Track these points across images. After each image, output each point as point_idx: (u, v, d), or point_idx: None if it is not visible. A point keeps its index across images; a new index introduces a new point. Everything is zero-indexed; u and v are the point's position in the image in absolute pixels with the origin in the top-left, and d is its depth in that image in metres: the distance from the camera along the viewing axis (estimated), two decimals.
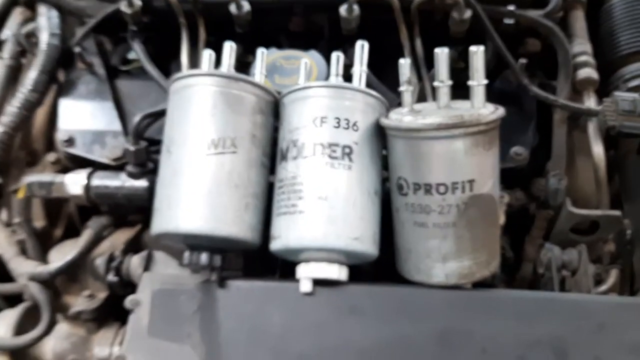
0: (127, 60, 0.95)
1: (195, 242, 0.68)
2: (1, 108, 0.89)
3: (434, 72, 0.82)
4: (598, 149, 0.84)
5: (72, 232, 0.89)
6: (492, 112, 0.65)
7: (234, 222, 0.66)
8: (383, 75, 0.86)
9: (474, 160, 0.64)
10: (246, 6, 0.87)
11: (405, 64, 0.69)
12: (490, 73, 0.66)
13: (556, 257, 0.77)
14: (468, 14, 0.86)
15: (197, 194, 0.66)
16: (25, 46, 0.93)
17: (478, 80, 0.65)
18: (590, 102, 0.87)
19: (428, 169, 0.64)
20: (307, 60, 0.79)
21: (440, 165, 0.64)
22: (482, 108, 0.65)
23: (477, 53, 0.64)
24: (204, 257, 0.67)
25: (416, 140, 0.65)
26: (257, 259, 0.75)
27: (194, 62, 0.87)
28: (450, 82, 0.67)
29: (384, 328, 0.67)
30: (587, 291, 0.76)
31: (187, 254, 0.68)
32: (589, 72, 0.88)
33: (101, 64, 0.92)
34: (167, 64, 0.93)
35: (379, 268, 0.73)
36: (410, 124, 0.64)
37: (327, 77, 0.84)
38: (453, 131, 0.63)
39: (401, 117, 0.67)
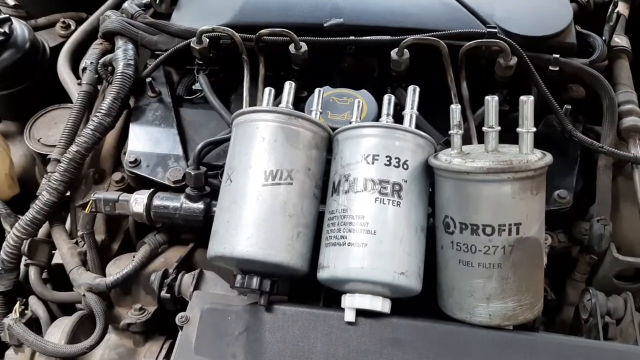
0: (192, 90, 0.97)
1: (248, 267, 0.68)
2: (77, 129, 0.92)
3: (479, 114, 0.84)
4: None
5: (128, 246, 0.90)
6: (540, 158, 0.64)
7: (286, 250, 0.66)
8: (429, 114, 0.86)
9: (521, 204, 0.63)
10: (304, 46, 0.89)
11: (456, 109, 0.69)
12: (534, 117, 0.65)
13: (601, 304, 0.74)
14: (514, 60, 0.85)
15: (253, 221, 0.66)
16: (102, 74, 0.97)
17: (527, 128, 0.64)
18: (636, 149, 0.85)
19: (475, 210, 0.63)
20: (359, 99, 0.79)
21: (487, 208, 0.63)
22: (530, 154, 0.64)
23: (527, 102, 0.63)
24: (254, 281, 0.67)
25: (465, 182, 0.64)
26: (303, 286, 0.74)
27: (253, 95, 0.88)
28: (499, 128, 0.66)
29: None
30: (633, 341, 0.73)
31: (239, 277, 0.68)
32: (635, 121, 0.86)
33: (168, 93, 0.95)
34: (228, 96, 0.95)
35: (419, 302, 0.71)
36: (460, 167, 0.64)
37: (376, 115, 0.85)
38: (502, 176, 0.62)
39: (451, 159, 0.66)
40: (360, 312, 0.66)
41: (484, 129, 0.67)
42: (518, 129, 0.65)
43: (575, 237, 0.82)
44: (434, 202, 0.70)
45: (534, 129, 0.64)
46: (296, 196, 0.69)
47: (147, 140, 0.90)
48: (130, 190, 0.86)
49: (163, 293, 0.76)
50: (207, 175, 0.82)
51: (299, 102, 0.90)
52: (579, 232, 0.82)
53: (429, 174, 0.70)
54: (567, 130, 0.84)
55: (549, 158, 0.65)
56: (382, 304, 0.66)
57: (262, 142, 0.70)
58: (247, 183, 0.68)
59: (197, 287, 0.76)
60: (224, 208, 0.70)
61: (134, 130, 0.92)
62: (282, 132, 0.70)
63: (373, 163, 0.68)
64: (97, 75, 0.97)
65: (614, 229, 0.79)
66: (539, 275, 0.67)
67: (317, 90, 0.79)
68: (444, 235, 0.66)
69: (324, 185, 0.73)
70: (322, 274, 0.67)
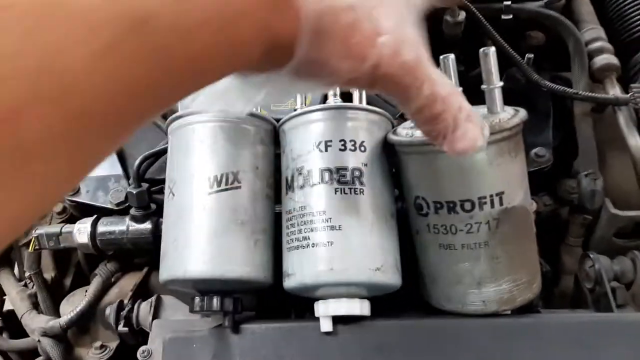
0: None
1: (206, 287, 0.59)
2: None
3: None
4: (634, 141, 0.71)
5: (81, 280, 0.80)
6: (513, 115, 0.55)
7: (244, 262, 0.57)
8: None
9: (501, 171, 0.54)
10: None
11: None
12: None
13: (606, 269, 0.64)
14: (462, 15, 0.76)
15: (203, 236, 0.57)
16: None
17: (492, 83, 0.55)
18: (615, 89, 0.76)
19: (449, 185, 0.55)
20: None
21: (462, 180, 0.54)
22: (501, 112, 0.55)
23: (489, 54, 0.54)
24: (215, 302, 0.58)
25: (433, 155, 0.55)
26: (269, 297, 0.65)
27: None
28: (460, 89, 0.57)
29: None
30: None
31: (197, 300, 0.59)
32: (607, 58, 0.77)
33: None
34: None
35: (402, 296, 0.62)
36: (424, 139, 0.54)
37: (323, 99, 0.75)
38: None
39: (412, 132, 0.57)
40: (338, 319, 0.58)
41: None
42: (483, 86, 0.56)
43: (562, 197, 0.74)
44: (400, 184, 0.61)
45: (501, 84, 0.55)
46: (247, 200, 0.59)
47: None
48: (74, 220, 0.76)
49: (120, 327, 0.66)
50: (150, 192, 0.72)
51: None
52: (565, 191, 0.73)
53: (389, 153, 0.62)
54: (533, 81, 0.75)
55: (523, 113, 0.56)
56: (360, 307, 0.57)
57: (200, 145, 0.60)
58: (191, 194, 0.59)
59: (156, 315, 0.67)
60: (169, 226, 0.60)
61: None
62: (221, 131, 0.61)
63: (327, 150, 0.59)
64: None
65: (605, 182, 0.70)
66: (533, 248, 0.59)
67: None
68: (418, 219, 0.58)
69: (277, 183, 0.64)
70: (289, 283, 0.58)
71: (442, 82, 0.38)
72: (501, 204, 0.54)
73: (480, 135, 0.40)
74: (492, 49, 0.54)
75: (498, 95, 0.55)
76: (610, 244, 0.71)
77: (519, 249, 0.56)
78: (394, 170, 0.62)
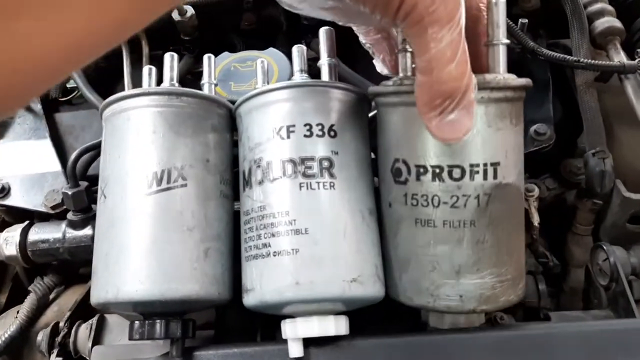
0: (67, 89, 0.74)
1: (147, 309, 0.48)
2: None
3: None
4: None
5: (20, 296, 0.68)
6: (517, 78, 0.45)
7: (191, 277, 0.46)
8: (355, 64, 0.65)
9: (500, 137, 0.44)
10: (189, 10, 0.67)
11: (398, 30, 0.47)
12: None
13: (622, 262, 0.54)
14: None
15: (139, 247, 0.46)
16: None
17: (498, 39, 0.44)
18: (619, 56, 0.65)
19: (437, 146, 0.44)
20: (266, 59, 0.58)
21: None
22: (504, 73, 0.45)
23: (498, 4, 0.43)
24: (158, 328, 0.47)
25: None
26: (230, 311, 0.54)
27: (138, 82, 0.67)
28: (507, 41, 0.46)
29: None
30: None
31: (136, 325, 0.47)
32: (609, 21, 0.67)
33: (37, 98, 0.72)
34: (112, 88, 0.72)
35: (386, 307, 0.51)
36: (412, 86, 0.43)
37: (291, 77, 0.64)
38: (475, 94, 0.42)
39: (400, 81, 0.46)
40: (310, 341, 0.47)
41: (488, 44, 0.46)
42: (485, 42, 0.45)
43: (567, 180, 0.63)
44: (377, 153, 0.50)
45: (507, 41, 0.44)
46: (195, 201, 0.48)
47: (15, 160, 0.68)
48: (5, 227, 0.64)
49: (54, 357, 0.55)
50: (90, 192, 0.60)
51: (198, 80, 0.69)
52: (571, 172, 0.63)
53: (366, 135, 0.51)
54: (529, 49, 0.64)
55: (527, 80, 0.46)
56: (335, 326, 0.46)
57: (136, 136, 0.49)
58: (125, 196, 0.47)
59: (97, 340, 0.56)
60: (100, 236, 0.49)
61: (1, 151, 0.69)
62: (161, 118, 0.49)
63: (289, 137, 0.48)
64: None
65: (615, 161, 0.59)
66: (522, 242, 0.48)
67: (205, 57, 0.57)
68: (394, 188, 0.46)
69: (236, 177, 0.53)
70: (248, 299, 0.47)
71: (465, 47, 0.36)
72: (495, 177, 0.44)
73: (469, 126, 0.39)
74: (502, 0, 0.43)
75: (503, 53, 0.44)
76: (624, 232, 0.60)
77: (508, 236, 0.46)
78: (373, 155, 0.51)
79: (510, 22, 0.64)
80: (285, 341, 0.47)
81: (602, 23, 0.67)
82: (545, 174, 0.64)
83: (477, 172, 0.43)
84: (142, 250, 0.46)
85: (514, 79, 0.44)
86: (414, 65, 0.46)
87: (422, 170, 0.44)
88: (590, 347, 0.47)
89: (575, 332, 0.48)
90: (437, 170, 0.44)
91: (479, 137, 0.43)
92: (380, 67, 0.50)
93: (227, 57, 0.65)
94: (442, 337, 0.48)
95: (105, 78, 0.72)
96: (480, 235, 0.44)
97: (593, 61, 0.62)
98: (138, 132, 0.49)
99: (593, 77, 0.64)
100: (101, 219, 0.49)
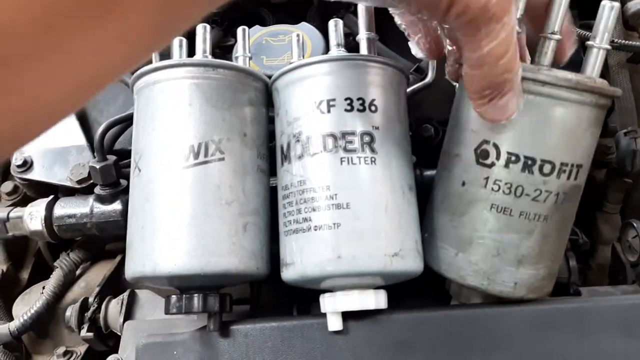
0: None
1: (184, 284, 0.47)
2: None
3: None
4: None
5: (43, 272, 0.68)
6: (608, 84, 0.46)
7: (230, 252, 0.46)
8: (391, 41, 0.64)
9: (591, 140, 0.45)
10: None
11: None
12: None
13: None
14: None
15: (177, 220, 0.45)
16: None
17: (600, 42, 0.45)
18: None
19: (535, 137, 0.44)
20: (299, 33, 0.57)
21: (554, 137, 0.44)
22: (598, 78, 0.45)
23: (614, 9, 0.44)
24: (196, 302, 0.47)
25: (538, 98, 0.43)
26: (267, 289, 0.54)
27: (163, 56, 0.66)
28: (559, 37, 0.45)
29: None
30: None
31: (173, 299, 0.47)
32: None
33: None
34: None
35: (424, 281, 0.51)
36: (539, 75, 0.43)
37: (323, 52, 0.63)
38: (586, 96, 0.43)
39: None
40: (348, 315, 0.47)
41: (541, 35, 0.45)
42: (589, 42, 0.45)
43: (597, 159, 0.63)
44: (452, 120, 0.49)
45: (608, 47, 0.45)
46: (233, 174, 0.48)
47: None
48: (28, 202, 0.63)
49: (84, 332, 0.55)
50: (119, 166, 0.60)
51: (226, 54, 0.68)
52: (601, 152, 0.63)
53: (406, 111, 0.50)
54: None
55: (619, 91, 0.47)
56: (375, 300, 0.46)
57: (172, 109, 0.48)
58: (161, 169, 0.47)
59: (128, 315, 0.55)
60: (136, 209, 0.48)
61: None
62: (197, 90, 0.48)
63: (329, 111, 0.47)
64: None
65: None
66: (567, 239, 0.49)
67: (240, 29, 0.56)
68: (474, 168, 0.46)
69: (272, 153, 0.52)
70: (287, 274, 0.47)
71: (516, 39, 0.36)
72: (576, 178, 0.45)
73: (515, 108, 0.41)
74: (617, 4, 0.44)
75: (601, 58, 0.45)
76: None
77: (566, 234, 0.47)
78: (411, 134, 0.51)
79: None
80: (323, 315, 0.47)
81: (635, 4, 0.67)
82: None
83: (565, 171, 0.44)
84: (180, 224, 0.45)
85: (611, 88, 0.45)
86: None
87: (513, 158, 0.44)
88: (623, 320, 0.48)
89: (609, 306, 0.49)
90: (530, 162, 0.44)
91: (575, 138, 0.44)
92: (415, 50, 0.49)
93: (258, 31, 0.64)
94: (481, 311, 0.48)
95: None
96: (550, 230, 0.45)
97: (627, 42, 0.62)
98: (173, 104, 0.48)
99: (625, 58, 0.64)
100: (136, 192, 0.49)
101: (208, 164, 0.47)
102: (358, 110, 0.47)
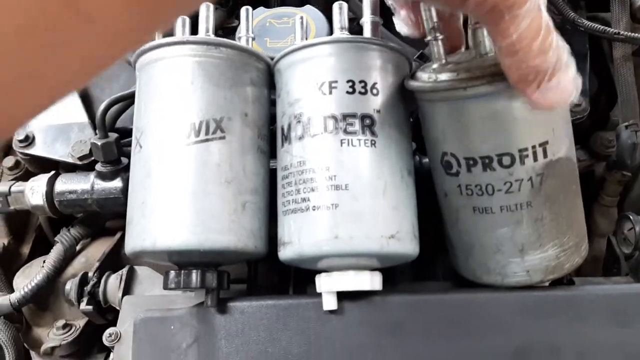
0: None
1: (182, 260, 0.48)
2: None
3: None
4: None
5: (44, 247, 0.69)
6: None
7: (229, 230, 0.46)
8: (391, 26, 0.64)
9: (543, 116, 0.44)
10: None
11: (428, 7, 0.47)
12: None
13: None
14: None
15: (177, 197, 0.46)
16: None
17: None
18: None
19: (483, 137, 0.44)
20: (303, 15, 0.57)
21: (499, 130, 0.44)
22: None
23: None
24: (194, 277, 0.47)
25: (463, 103, 0.44)
26: (262, 267, 0.55)
27: (170, 34, 0.66)
28: None
29: (436, 348, 0.47)
30: None
31: (172, 275, 0.48)
32: None
33: None
34: None
35: (417, 264, 0.52)
36: (452, 83, 0.44)
37: (327, 34, 0.63)
38: (496, 86, 0.42)
39: (436, 75, 0.46)
40: (343, 295, 0.48)
41: (469, 26, 0.46)
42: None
43: (597, 152, 0.64)
44: (420, 138, 0.51)
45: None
46: (233, 153, 0.48)
47: None
48: (29, 177, 0.64)
49: (84, 305, 0.56)
50: (120, 144, 0.60)
51: (230, 35, 0.68)
52: (602, 145, 0.63)
53: (407, 99, 0.51)
54: (569, 20, 0.64)
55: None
56: (370, 281, 0.47)
57: (174, 86, 0.49)
58: (163, 146, 0.47)
59: (127, 290, 0.56)
60: (136, 185, 0.49)
61: None
62: (200, 68, 0.49)
63: (331, 93, 0.48)
64: None
65: None
66: (579, 205, 0.50)
67: (243, 9, 0.56)
68: (447, 179, 0.47)
69: (272, 134, 0.53)
70: (285, 253, 0.48)
71: (546, 16, 0.34)
72: (545, 155, 0.44)
73: (573, 87, 0.37)
74: None
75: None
76: None
77: (565, 207, 0.47)
78: (412, 119, 0.51)
79: None
80: (318, 295, 0.48)
81: None
82: (575, 146, 0.64)
83: (527, 155, 0.44)
84: (180, 201, 0.46)
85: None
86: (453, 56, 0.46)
87: (471, 162, 0.45)
88: (615, 308, 0.48)
89: (602, 295, 0.49)
90: (487, 161, 0.44)
91: (522, 122, 0.43)
92: (399, 26, 0.48)
93: (262, 13, 0.64)
94: (473, 296, 0.49)
95: None
96: (538, 213, 0.46)
97: (633, 34, 0.62)
98: (175, 82, 0.49)
99: (631, 51, 0.65)
100: (136, 168, 0.49)
101: (209, 142, 0.47)
102: (360, 92, 0.48)
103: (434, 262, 0.59)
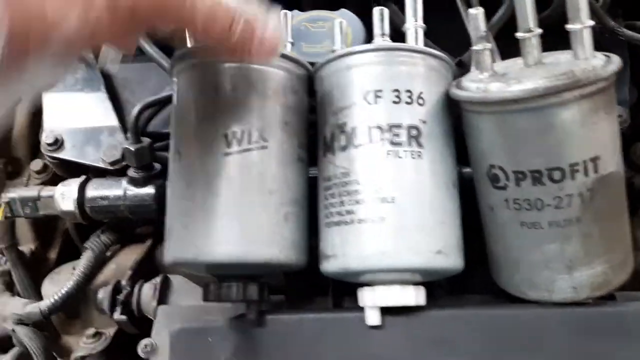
0: None
1: (223, 271, 0.47)
2: None
3: (495, 22, 0.62)
4: None
5: (71, 252, 0.68)
6: (606, 61, 0.44)
7: (272, 241, 0.46)
8: (430, 33, 0.63)
9: (595, 131, 0.43)
10: None
11: (477, 15, 0.46)
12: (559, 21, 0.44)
13: None
14: None
15: (220, 208, 0.45)
16: None
17: (582, 22, 0.43)
18: None
19: (534, 151, 0.43)
20: (343, 20, 0.56)
21: (550, 145, 0.43)
22: (591, 58, 0.43)
23: None
24: (235, 290, 0.47)
25: (513, 115, 0.43)
26: (301, 278, 0.54)
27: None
28: (539, 31, 0.45)
29: None
30: None
31: (212, 287, 0.47)
32: None
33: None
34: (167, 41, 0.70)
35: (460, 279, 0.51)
36: (503, 94, 0.42)
37: (364, 41, 0.62)
38: (565, 96, 0.42)
39: (485, 86, 0.44)
40: (386, 309, 0.47)
41: (519, 35, 0.45)
42: (568, 26, 0.43)
43: (636, 163, 0.63)
44: (463, 148, 0.50)
45: (592, 22, 0.43)
46: (275, 163, 0.47)
47: (69, 112, 0.66)
48: (57, 181, 0.63)
49: (117, 315, 0.55)
50: (153, 149, 0.59)
51: None
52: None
53: (451, 109, 0.50)
54: (609, 29, 0.62)
55: (616, 59, 0.44)
56: (415, 296, 0.46)
57: (215, 93, 0.47)
58: (203, 155, 0.46)
59: (162, 300, 0.56)
60: (176, 194, 0.48)
61: (49, 101, 0.67)
62: (241, 75, 0.48)
63: (376, 102, 0.47)
64: None
65: None
66: (626, 221, 0.48)
67: (282, 13, 0.55)
68: (493, 192, 0.46)
69: (312, 142, 0.52)
70: (328, 266, 0.47)
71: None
72: (596, 171, 0.43)
73: (276, 35, 0.40)
74: None
75: (588, 36, 0.44)
76: None
77: (614, 223, 0.46)
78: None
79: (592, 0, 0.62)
80: (359, 309, 0.47)
81: None
82: None
83: (578, 170, 0.43)
84: (223, 212, 0.45)
85: (603, 67, 0.43)
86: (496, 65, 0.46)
87: (520, 176, 0.44)
88: None
89: None
90: (537, 175, 0.43)
91: (574, 136, 0.42)
92: None
93: (297, 16, 0.63)
94: (519, 312, 0.48)
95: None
96: (588, 229, 0.45)
97: None
98: (216, 89, 0.48)
99: None
100: (176, 176, 0.48)
101: (250, 152, 0.46)
102: (406, 102, 0.47)
103: (470, 274, 0.58)
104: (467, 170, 0.57)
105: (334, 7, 0.65)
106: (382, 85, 0.47)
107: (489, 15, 0.54)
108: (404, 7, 0.52)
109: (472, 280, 0.57)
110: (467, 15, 0.63)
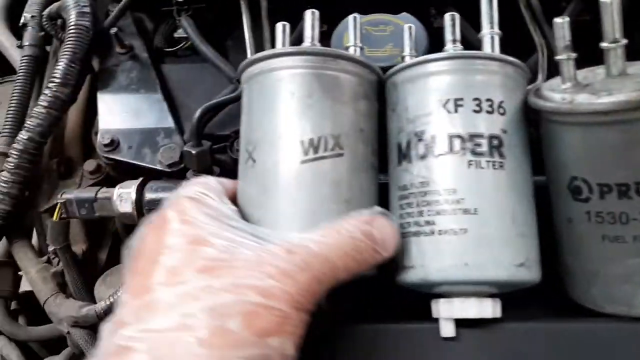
0: (174, 39, 0.72)
1: None
2: (25, 108, 0.67)
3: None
4: None
5: (119, 253, 0.67)
6: None
7: None
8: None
9: None
10: None
11: (562, 24, 0.45)
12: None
13: None
14: None
15: (298, 216, 0.44)
16: (50, 30, 0.70)
17: (618, 40, 0.43)
18: None
19: (621, 163, 0.42)
20: (410, 25, 0.55)
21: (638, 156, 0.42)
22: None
23: (613, 4, 0.42)
24: None
25: (602, 127, 0.42)
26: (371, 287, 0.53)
27: (256, 40, 0.64)
28: (625, 41, 0.44)
29: None
30: None
31: None
32: None
33: (143, 47, 0.70)
34: (222, 42, 0.70)
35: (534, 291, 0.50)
36: (593, 106, 0.42)
37: (427, 46, 0.61)
38: None
39: (571, 96, 0.44)
40: (460, 322, 0.46)
41: (603, 45, 0.44)
42: (603, 44, 0.43)
43: None
44: (539, 157, 0.49)
45: (625, 41, 0.43)
46: (351, 171, 0.46)
47: (124, 112, 0.65)
48: (110, 182, 0.63)
49: None
50: (213, 152, 0.59)
51: (320, 41, 0.66)
52: None
53: (528, 118, 0.49)
54: None
55: None
56: (492, 309, 0.46)
57: (291, 99, 0.47)
58: (279, 161, 0.46)
59: None
60: (251, 201, 0.47)
61: (104, 100, 0.67)
62: (317, 81, 0.47)
63: (456, 111, 0.46)
64: (43, 33, 0.71)
65: None
66: None
67: (351, 17, 0.55)
68: (573, 205, 0.45)
69: (382, 148, 0.51)
70: (406, 277, 0.46)
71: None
72: None
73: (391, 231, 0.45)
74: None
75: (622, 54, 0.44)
76: None
77: None
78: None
79: None
80: (433, 320, 0.47)
81: None
82: None
83: None
84: (300, 219, 0.44)
85: None
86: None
87: (606, 189, 0.43)
88: None
89: None
90: (624, 189, 0.42)
91: None
92: None
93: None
94: (597, 326, 0.47)
95: (213, 30, 0.70)
96: None
97: None
98: (292, 94, 0.47)
99: None
100: (249, 183, 0.48)
101: (327, 159, 0.46)
102: (487, 111, 0.46)
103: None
104: (536, 178, 0.57)
105: (394, 10, 0.64)
106: (462, 93, 0.46)
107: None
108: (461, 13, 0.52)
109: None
110: (531, 22, 0.63)
